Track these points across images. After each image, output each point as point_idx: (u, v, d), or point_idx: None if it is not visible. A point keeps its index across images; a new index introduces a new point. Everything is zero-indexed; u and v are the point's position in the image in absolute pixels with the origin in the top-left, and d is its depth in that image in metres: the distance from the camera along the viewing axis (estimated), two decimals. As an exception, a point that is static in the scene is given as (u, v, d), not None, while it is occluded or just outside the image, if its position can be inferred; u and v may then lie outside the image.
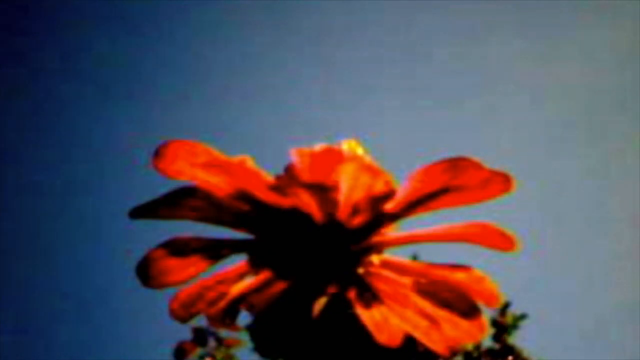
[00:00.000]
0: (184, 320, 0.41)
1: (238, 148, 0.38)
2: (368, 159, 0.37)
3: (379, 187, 0.36)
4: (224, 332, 2.21)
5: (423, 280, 0.39)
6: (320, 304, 0.39)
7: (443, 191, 0.37)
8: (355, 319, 0.40)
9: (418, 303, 0.39)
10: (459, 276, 0.38)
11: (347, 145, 0.37)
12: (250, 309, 0.41)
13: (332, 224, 0.37)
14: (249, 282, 0.40)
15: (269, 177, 0.37)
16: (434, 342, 0.39)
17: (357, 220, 0.38)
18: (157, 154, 0.37)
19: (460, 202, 0.38)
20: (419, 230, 0.39)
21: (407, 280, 0.39)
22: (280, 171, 0.38)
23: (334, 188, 0.36)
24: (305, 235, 0.38)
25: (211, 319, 0.41)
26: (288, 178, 0.37)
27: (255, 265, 0.39)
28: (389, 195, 0.36)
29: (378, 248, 0.39)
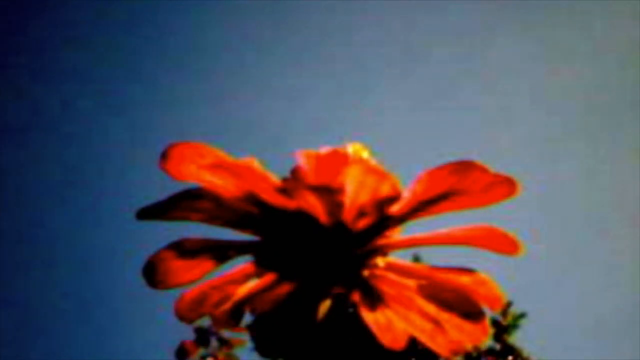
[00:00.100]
0: (189, 321, 0.41)
1: (238, 148, 0.39)
2: (374, 161, 0.37)
3: (385, 190, 0.36)
4: (226, 333, 2.21)
5: (427, 283, 0.39)
6: (325, 306, 0.39)
7: (448, 194, 0.37)
8: (360, 321, 0.40)
9: (422, 306, 0.39)
10: (463, 279, 0.39)
11: (352, 148, 0.38)
12: (256, 310, 0.41)
13: (338, 227, 0.38)
14: (254, 283, 0.40)
15: (275, 179, 0.38)
16: (437, 344, 0.39)
17: (363, 223, 0.38)
18: (164, 155, 0.38)
19: (465, 206, 0.38)
20: (423, 233, 0.39)
21: (411, 283, 0.39)
22: (281, 170, 0.38)
23: (340, 191, 0.37)
24: (310, 237, 0.38)
25: (216, 320, 0.41)
26: (294, 180, 0.37)
27: (260, 267, 0.39)
28: (394, 198, 0.37)
29: (383, 251, 0.39)
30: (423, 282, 0.39)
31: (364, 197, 0.37)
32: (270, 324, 0.40)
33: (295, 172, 0.38)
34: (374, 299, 0.39)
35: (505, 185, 0.37)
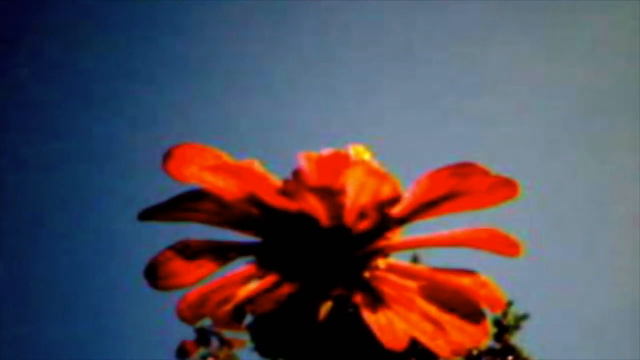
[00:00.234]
0: (191, 322, 0.41)
1: (238, 149, 0.39)
2: (375, 163, 0.37)
3: (386, 192, 0.36)
4: (227, 333, 2.21)
5: (428, 285, 0.39)
6: (326, 307, 0.39)
7: (449, 196, 0.37)
8: (360, 322, 0.40)
9: (423, 307, 0.39)
10: (464, 281, 0.39)
11: (354, 150, 0.38)
12: (257, 311, 0.41)
13: (339, 228, 0.38)
14: (255, 285, 0.41)
15: (277, 181, 0.38)
16: (438, 345, 0.39)
17: (364, 225, 0.38)
18: (166, 157, 0.38)
19: (466, 208, 0.38)
20: (424, 235, 0.39)
21: (412, 284, 0.39)
22: (281, 170, 0.38)
23: (341, 192, 0.37)
24: (312, 238, 0.38)
25: (218, 321, 0.42)
26: (295, 182, 0.37)
27: (262, 268, 0.40)
28: (395, 200, 0.37)
29: (384, 252, 0.39)
30: (424, 283, 0.39)
31: (365, 199, 0.37)
32: (271, 325, 0.40)
33: (296, 174, 0.38)
34: (375, 300, 0.39)
35: (506, 187, 0.37)
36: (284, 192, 0.37)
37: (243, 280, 0.40)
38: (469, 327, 0.39)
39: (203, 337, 2.24)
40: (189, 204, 0.39)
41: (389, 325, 0.40)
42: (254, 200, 0.38)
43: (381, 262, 0.39)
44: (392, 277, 0.39)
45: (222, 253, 0.39)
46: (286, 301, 0.40)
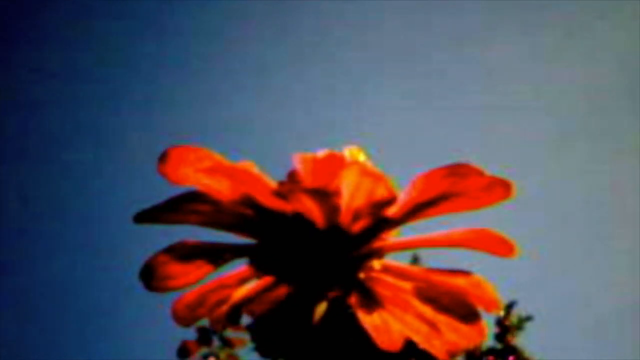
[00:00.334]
0: (186, 324, 0.41)
1: (235, 150, 0.39)
2: (370, 164, 0.37)
3: (381, 193, 0.36)
4: (228, 332, 2.22)
5: (423, 285, 0.39)
6: (321, 308, 0.39)
7: (444, 197, 0.37)
8: (356, 323, 0.40)
9: (418, 308, 0.39)
10: (459, 281, 0.39)
11: (349, 151, 0.38)
12: (253, 313, 0.41)
13: (334, 229, 0.38)
14: (251, 286, 0.41)
15: (272, 183, 0.38)
16: (433, 346, 0.39)
17: (359, 226, 0.38)
18: (162, 158, 0.38)
19: (461, 208, 0.38)
20: (419, 236, 0.39)
21: (407, 285, 0.39)
22: (279, 171, 0.38)
23: (336, 194, 0.37)
24: (307, 240, 0.38)
25: (213, 322, 0.42)
26: (291, 183, 0.37)
27: (257, 270, 0.40)
28: (390, 201, 0.37)
29: (379, 253, 0.39)
30: (419, 284, 0.39)
31: (360, 200, 0.37)
32: (271, 325, 0.40)
33: (291, 176, 0.38)
34: (371, 301, 0.39)
35: (501, 188, 0.37)
36: (279, 193, 0.37)
37: (238, 281, 0.40)
38: (464, 328, 0.39)
39: (204, 336, 2.25)
40: (184, 205, 0.39)
41: (384, 326, 0.40)
42: (249, 202, 0.38)
43: (376, 263, 0.39)
44: (388, 278, 0.39)
45: (218, 255, 0.39)
46: (282, 303, 0.40)
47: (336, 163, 0.37)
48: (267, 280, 0.40)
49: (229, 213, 0.39)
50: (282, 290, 0.40)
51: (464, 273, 0.39)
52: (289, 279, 0.39)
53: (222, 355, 2.22)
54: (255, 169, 0.38)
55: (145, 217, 0.38)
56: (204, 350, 2.26)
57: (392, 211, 0.38)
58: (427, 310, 0.39)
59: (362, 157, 0.38)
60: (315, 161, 0.37)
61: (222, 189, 0.38)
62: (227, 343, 2.23)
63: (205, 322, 0.43)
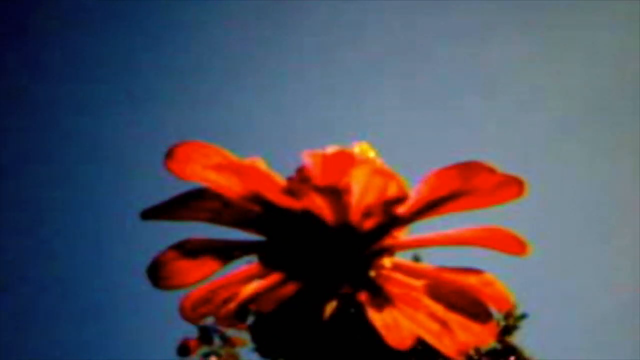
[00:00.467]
0: (194, 321, 0.41)
1: (240, 148, 0.39)
2: (380, 162, 0.37)
3: (392, 191, 0.36)
4: (229, 331, 2.21)
5: (434, 284, 0.39)
6: (331, 306, 0.39)
7: (455, 195, 0.37)
8: (362, 323, 0.40)
9: (429, 306, 0.39)
10: (470, 280, 0.38)
11: (359, 148, 0.38)
12: (261, 310, 0.41)
13: (344, 227, 0.38)
14: (259, 283, 0.40)
15: (281, 179, 0.37)
16: (444, 345, 0.39)
17: (369, 223, 0.38)
18: (169, 155, 0.37)
19: (473, 206, 0.38)
20: (430, 234, 0.39)
21: (418, 284, 0.39)
22: (283, 169, 0.38)
23: (346, 191, 0.36)
24: (316, 237, 0.38)
25: (221, 320, 0.41)
26: (300, 180, 0.37)
27: (266, 267, 0.39)
28: (401, 199, 0.36)
29: (390, 251, 0.39)
30: (430, 282, 0.39)
31: (371, 198, 0.37)
32: (272, 325, 0.40)
33: (301, 172, 0.38)
34: (381, 299, 0.39)
35: (513, 186, 0.36)
36: (289, 190, 0.37)
37: (246, 279, 0.40)
38: (475, 327, 0.39)
39: (205, 335, 2.24)
40: (192, 202, 0.38)
41: (395, 324, 0.39)
42: (257, 199, 0.38)
43: (387, 261, 0.39)
44: (398, 276, 0.39)
45: (226, 252, 0.39)
46: (289, 300, 0.40)
47: (346, 160, 0.37)
48: (275, 277, 0.40)
49: (237, 210, 0.38)
50: (290, 288, 0.40)
51: (475, 271, 0.39)
52: (299, 276, 0.39)
53: (223, 354, 2.21)
54: (264, 166, 0.38)
55: (153, 213, 0.38)
56: (205, 349, 2.26)
57: (402, 209, 0.37)
58: (438, 309, 0.39)
59: (371, 154, 0.38)
60: (325, 158, 0.36)
61: (230, 185, 0.38)
62: (228, 342, 2.23)
63: (206, 320, 0.42)
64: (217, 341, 2.25)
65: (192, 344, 2.24)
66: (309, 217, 0.37)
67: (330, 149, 0.36)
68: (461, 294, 0.39)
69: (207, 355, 2.24)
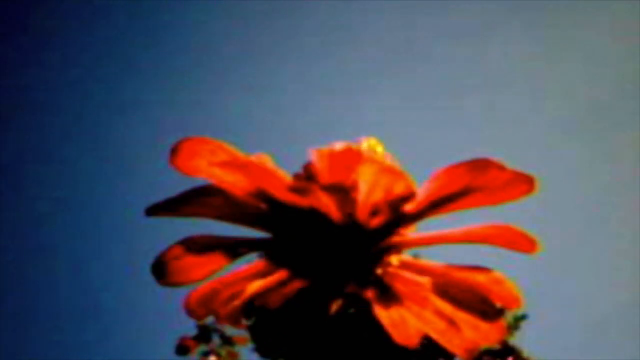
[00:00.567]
0: (198, 318, 0.41)
1: (242, 146, 0.38)
2: (388, 159, 0.37)
3: (399, 189, 0.36)
4: (228, 330, 2.21)
5: (442, 282, 0.39)
6: (337, 303, 0.39)
7: (464, 192, 0.37)
8: (365, 322, 0.40)
9: (437, 304, 0.39)
10: (479, 278, 0.38)
11: (367, 144, 0.37)
12: (267, 307, 0.40)
13: (351, 224, 0.37)
14: (265, 280, 0.40)
15: (287, 176, 0.37)
16: (452, 344, 0.38)
17: (376, 221, 0.37)
18: (174, 151, 0.37)
19: (482, 204, 0.37)
20: (438, 231, 0.39)
21: (426, 281, 0.39)
22: (283, 169, 0.38)
23: (353, 188, 0.36)
24: (323, 235, 0.37)
25: (225, 317, 0.41)
26: (306, 178, 0.37)
27: (272, 264, 0.39)
28: (409, 196, 0.36)
29: (397, 249, 0.38)
30: (438, 280, 0.39)
31: (378, 196, 0.36)
32: (272, 325, 0.39)
33: (307, 170, 0.37)
34: (388, 297, 0.39)
35: (524, 183, 0.36)
36: (295, 188, 0.37)
37: (252, 276, 0.40)
38: (483, 325, 0.38)
39: (204, 333, 2.24)
40: (197, 199, 0.38)
41: (402, 322, 0.39)
42: (263, 196, 0.38)
43: (394, 259, 0.39)
44: (406, 274, 0.39)
45: (231, 249, 0.39)
46: (296, 298, 0.39)
47: (353, 157, 0.36)
48: (280, 275, 0.40)
49: (242, 207, 0.38)
50: (296, 286, 0.39)
51: (484, 269, 0.38)
52: (305, 273, 0.38)
53: (223, 352, 2.21)
54: (270, 162, 0.38)
55: (158, 210, 0.38)
56: (203, 347, 2.26)
57: (410, 206, 0.37)
58: (446, 307, 0.38)
59: (379, 149, 0.37)
60: (332, 155, 0.36)
61: (236, 182, 0.37)
62: (227, 341, 2.23)
63: (205, 319, 0.42)
64: (216, 340, 2.25)
65: (190, 343, 2.23)
66: (315, 215, 0.37)
67: (338, 145, 0.36)
68: (470, 292, 0.38)
69: (206, 354, 2.24)
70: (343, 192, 0.36)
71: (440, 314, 0.39)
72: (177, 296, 0.41)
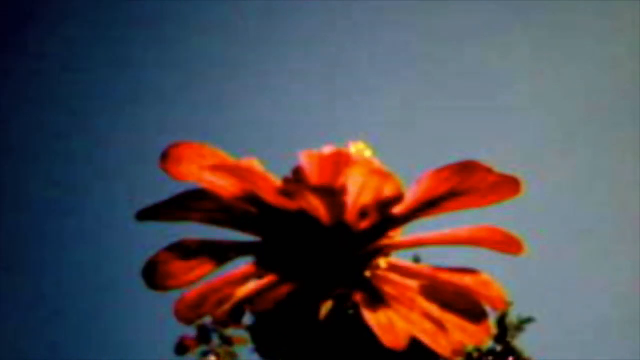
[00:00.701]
0: (189, 322, 0.41)
1: (237, 149, 0.38)
2: (377, 162, 0.37)
3: (387, 191, 0.36)
4: (228, 330, 2.21)
5: (430, 284, 0.39)
6: (326, 306, 0.39)
7: (451, 194, 0.37)
8: (358, 322, 0.40)
9: (424, 306, 0.39)
10: (466, 279, 0.38)
11: (355, 148, 0.37)
12: (256, 310, 0.41)
13: (340, 227, 0.37)
14: (254, 284, 0.40)
15: (276, 180, 0.37)
16: (439, 345, 0.39)
17: (365, 223, 0.38)
18: (165, 155, 0.37)
19: (469, 206, 0.37)
20: (426, 234, 0.39)
21: (413, 284, 0.39)
22: (284, 170, 0.38)
23: (342, 191, 0.36)
24: (312, 237, 0.38)
25: (216, 320, 0.41)
26: (296, 181, 0.37)
27: (261, 268, 0.39)
28: (397, 199, 0.36)
29: (385, 251, 0.39)
30: (425, 282, 0.39)
31: (366, 198, 0.36)
32: (271, 325, 0.39)
33: (296, 173, 0.38)
34: (376, 300, 0.39)
35: (509, 185, 0.36)
36: (284, 191, 0.37)
37: (241, 279, 0.40)
38: (470, 326, 0.38)
39: (203, 333, 2.24)
40: (187, 203, 0.38)
41: (390, 324, 0.39)
42: (253, 199, 0.38)
43: (382, 261, 0.39)
44: (393, 276, 0.39)
45: (221, 252, 0.39)
46: (286, 301, 0.40)
47: (342, 160, 0.36)
48: (270, 278, 0.40)
49: (232, 210, 0.38)
50: (285, 289, 0.40)
51: (471, 271, 0.38)
52: (294, 276, 0.38)
53: (222, 352, 2.21)
54: (259, 166, 0.38)
55: (148, 214, 0.38)
56: (203, 347, 2.26)
57: (399, 209, 0.37)
58: (434, 309, 0.39)
59: (367, 153, 0.37)
60: (321, 158, 0.36)
61: (225, 186, 0.38)
62: (226, 341, 2.23)
63: (205, 319, 0.42)
64: (215, 340, 2.25)
65: (190, 342, 2.24)
66: (304, 218, 0.37)
67: (326, 149, 0.36)
68: (456, 294, 0.38)
69: (205, 353, 2.24)
70: (332, 195, 0.36)
71: (428, 315, 0.39)
72: (176, 296, 0.41)
